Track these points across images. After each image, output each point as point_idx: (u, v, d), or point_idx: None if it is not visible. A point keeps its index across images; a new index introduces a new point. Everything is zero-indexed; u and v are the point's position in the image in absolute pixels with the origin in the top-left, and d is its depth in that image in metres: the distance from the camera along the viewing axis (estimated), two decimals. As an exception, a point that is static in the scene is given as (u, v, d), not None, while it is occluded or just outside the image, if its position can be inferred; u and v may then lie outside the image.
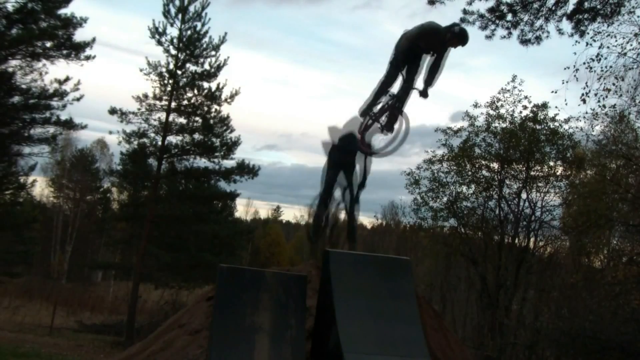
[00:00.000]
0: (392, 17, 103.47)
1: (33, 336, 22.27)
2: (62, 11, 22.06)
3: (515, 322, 22.75)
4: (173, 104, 25.26)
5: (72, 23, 22.04)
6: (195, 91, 25.39)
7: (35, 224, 36.33)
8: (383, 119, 7.32)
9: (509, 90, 22.74)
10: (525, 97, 22.62)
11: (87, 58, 22.67)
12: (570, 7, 11.33)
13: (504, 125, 22.89)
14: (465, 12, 11.42)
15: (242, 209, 71.77)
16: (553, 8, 11.33)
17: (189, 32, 25.23)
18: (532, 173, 22.89)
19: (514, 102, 22.71)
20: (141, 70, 25.09)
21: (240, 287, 6.76)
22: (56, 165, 49.08)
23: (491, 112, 23.02)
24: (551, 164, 22.73)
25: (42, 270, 48.01)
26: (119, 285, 43.91)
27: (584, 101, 14.02)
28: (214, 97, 25.44)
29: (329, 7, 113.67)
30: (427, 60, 7.00)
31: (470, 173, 23.62)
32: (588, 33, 12.05)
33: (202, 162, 25.85)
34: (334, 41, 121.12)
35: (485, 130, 23.09)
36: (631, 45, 13.36)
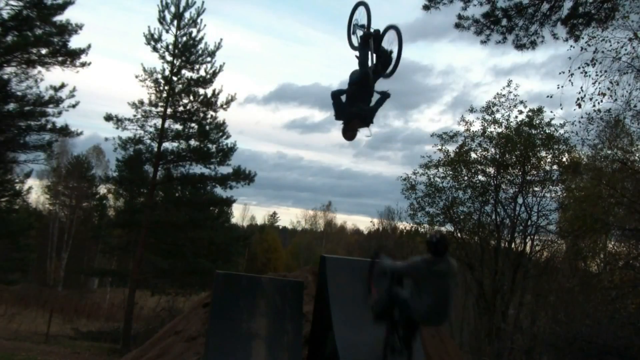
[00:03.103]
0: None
1: (29, 344, 22.15)
2: (58, 18, 22.12)
3: (512, 327, 22.74)
4: (169, 110, 25.26)
5: (67, 30, 22.06)
6: (191, 97, 25.38)
7: (31, 231, 36.26)
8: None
9: (504, 95, 22.82)
10: (521, 102, 22.73)
11: (83, 65, 22.71)
12: (564, 12, 11.36)
13: (499, 130, 22.97)
14: (460, 17, 11.44)
15: (239, 215, 71.82)
16: (547, 13, 11.35)
17: (184, 39, 25.26)
18: (528, 178, 22.93)
19: (510, 106, 22.80)
20: (137, 76, 25.16)
21: (237, 294, 6.76)
22: (52, 172, 48.99)
23: (487, 117, 23.10)
24: (547, 168, 22.79)
25: (38, 278, 47.87)
26: (116, 292, 43.80)
27: (580, 105, 14.09)
28: (209, 103, 25.44)
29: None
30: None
31: (466, 178, 23.68)
32: (583, 38, 12.11)
33: (198, 168, 25.87)
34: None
35: (481, 135, 23.15)
36: (625, 49, 13.43)
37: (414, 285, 5.99)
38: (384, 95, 6.78)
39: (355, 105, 6.66)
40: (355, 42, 6.87)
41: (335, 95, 6.75)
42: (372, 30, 6.68)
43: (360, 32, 6.81)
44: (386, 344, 6.54)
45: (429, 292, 5.83)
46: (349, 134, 6.80)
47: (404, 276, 6.45)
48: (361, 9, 6.87)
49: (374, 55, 6.67)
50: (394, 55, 6.70)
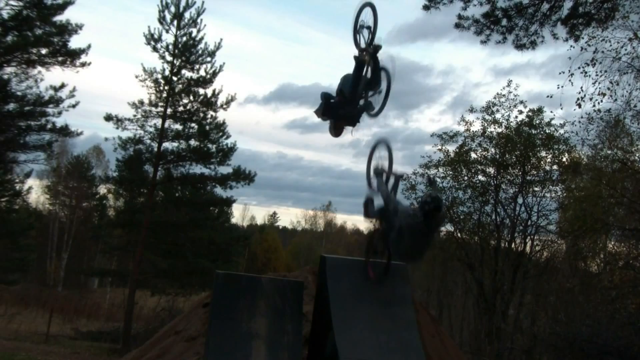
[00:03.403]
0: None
1: (29, 344, 22.14)
2: (58, 18, 22.08)
3: (512, 327, 22.77)
4: (169, 110, 25.22)
5: (67, 30, 22.04)
6: (191, 97, 25.36)
7: (31, 231, 36.30)
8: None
9: (504, 95, 22.84)
10: (521, 102, 22.75)
11: (83, 65, 22.67)
12: (564, 12, 11.37)
13: (499, 130, 22.98)
14: (460, 17, 11.45)
15: (239, 215, 71.81)
16: (547, 13, 11.36)
17: (184, 39, 25.23)
18: (528, 178, 22.94)
19: (510, 106, 22.81)
20: (137, 76, 25.12)
21: (237, 294, 6.75)
22: (52, 172, 48.97)
23: (487, 116, 23.12)
24: (547, 168, 22.81)
25: (38, 278, 47.86)
26: (116, 292, 43.78)
27: (580, 105, 14.11)
28: (209, 103, 25.41)
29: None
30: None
31: (466, 178, 23.69)
32: (583, 38, 12.12)
33: (198, 168, 25.82)
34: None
35: (481, 135, 23.16)
36: (625, 49, 13.45)
37: (398, 226, 6.12)
38: (366, 108, 7.01)
39: (342, 108, 7.00)
40: (360, 42, 6.94)
41: (326, 97, 7.02)
42: (374, 44, 6.71)
43: (365, 33, 6.84)
44: (369, 244, 7.03)
45: (409, 238, 5.99)
46: (335, 131, 7.23)
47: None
48: (368, 9, 6.88)
49: (369, 69, 6.80)
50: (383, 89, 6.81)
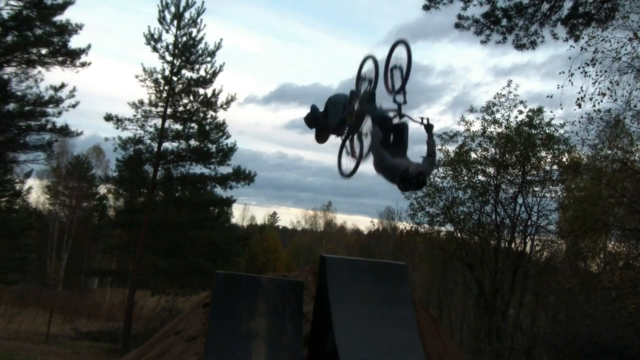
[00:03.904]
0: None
1: (29, 344, 22.13)
2: (58, 18, 22.10)
3: (512, 326, 22.79)
4: (169, 110, 25.21)
5: (67, 30, 22.05)
6: (191, 97, 25.34)
7: (31, 231, 36.28)
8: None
9: (504, 95, 22.84)
10: (521, 102, 22.76)
11: (83, 65, 22.69)
12: (564, 12, 11.37)
13: (499, 130, 22.98)
14: (460, 17, 11.44)
15: (239, 215, 71.78)
16: (547, 13, 11.36)
17: (184, 39, 25.22)
18: (528, 178, 22.95)
19: (510, 106, 22.82)
20: (137, 76, 25.11)
21: (237, 294, 6.75)
22: (52, 172, 48.96)
23: (487, 117, 23.12)
24: (547, 168, 22.82)
25: (38, 278, 47.84)
26: (116, 292, 43.78)
27: (580, 105, 14.12)
28: (209, 103, 25.40)
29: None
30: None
31: (466, 178, 23.69)
32: (583, 38, 12.12)
33: (198, 168, 25.81)
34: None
35: (481, 135, 23.17)
36: (625, 49, 13.46)
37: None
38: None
39: (328, 119, 7.16)
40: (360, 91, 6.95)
41: (314, 110, 7.24)
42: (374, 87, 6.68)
43: (364, 86, 6.81)
44: (342, 146, 7.00)
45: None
46: (320, 139, 7.41)
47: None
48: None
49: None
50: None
